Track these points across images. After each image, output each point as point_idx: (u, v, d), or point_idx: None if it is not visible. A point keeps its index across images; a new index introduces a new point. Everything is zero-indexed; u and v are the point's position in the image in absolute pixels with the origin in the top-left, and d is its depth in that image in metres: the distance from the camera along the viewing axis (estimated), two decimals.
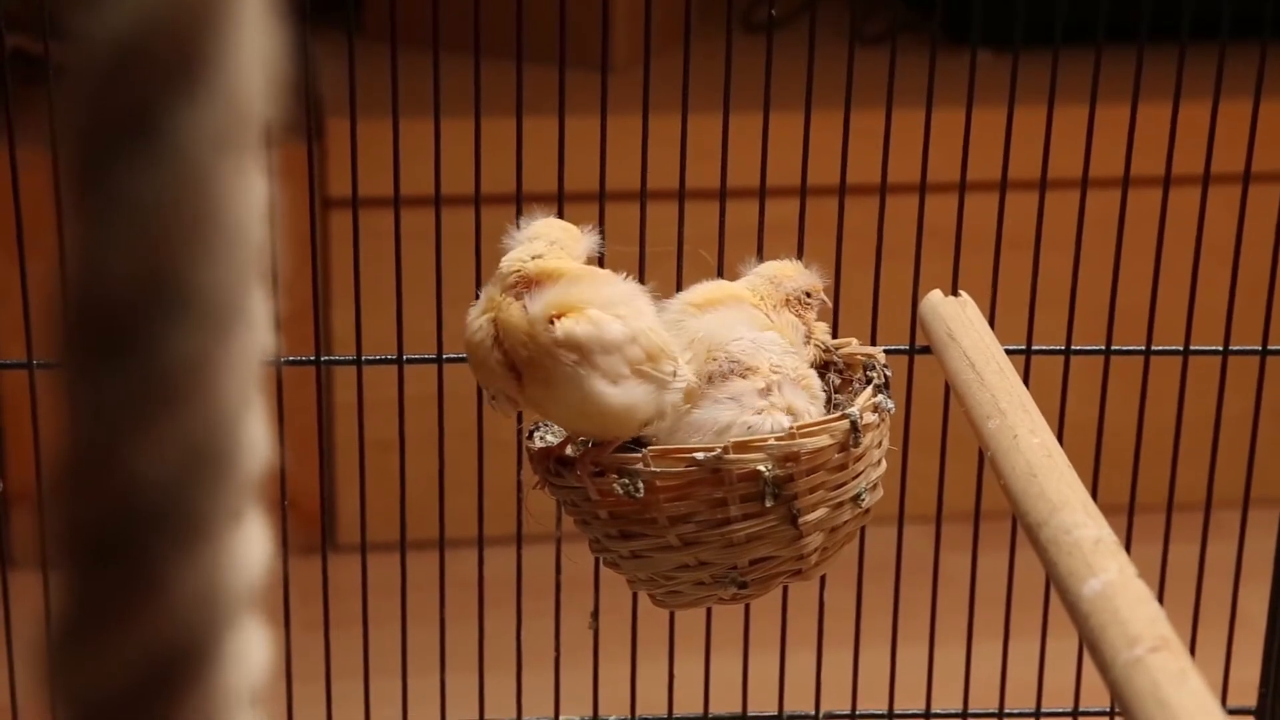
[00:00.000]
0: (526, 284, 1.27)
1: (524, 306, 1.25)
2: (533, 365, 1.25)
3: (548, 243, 1.29)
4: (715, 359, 1.31)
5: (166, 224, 0.40)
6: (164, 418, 0.42)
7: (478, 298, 1.30)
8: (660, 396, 1.28)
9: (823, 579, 1.53)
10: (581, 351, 1.24)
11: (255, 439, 0.46)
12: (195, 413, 0.42)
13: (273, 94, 0.44)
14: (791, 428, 1.28)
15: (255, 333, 0.44)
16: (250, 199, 0.42)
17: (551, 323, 1.24)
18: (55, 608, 0.44)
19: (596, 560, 1.42)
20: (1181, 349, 1.62)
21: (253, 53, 0.43)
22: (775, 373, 1.31)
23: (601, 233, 1.50)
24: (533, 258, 1.28)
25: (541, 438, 1.36)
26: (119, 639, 0.43)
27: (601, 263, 1.37)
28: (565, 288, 1.26)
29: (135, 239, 0.40)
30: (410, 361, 1.57)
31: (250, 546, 0.47)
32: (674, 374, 1.28)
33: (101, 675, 0.43)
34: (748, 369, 1.31)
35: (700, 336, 1.33)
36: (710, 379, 1.31)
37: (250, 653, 0.47)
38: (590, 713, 1.68)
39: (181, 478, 0.43)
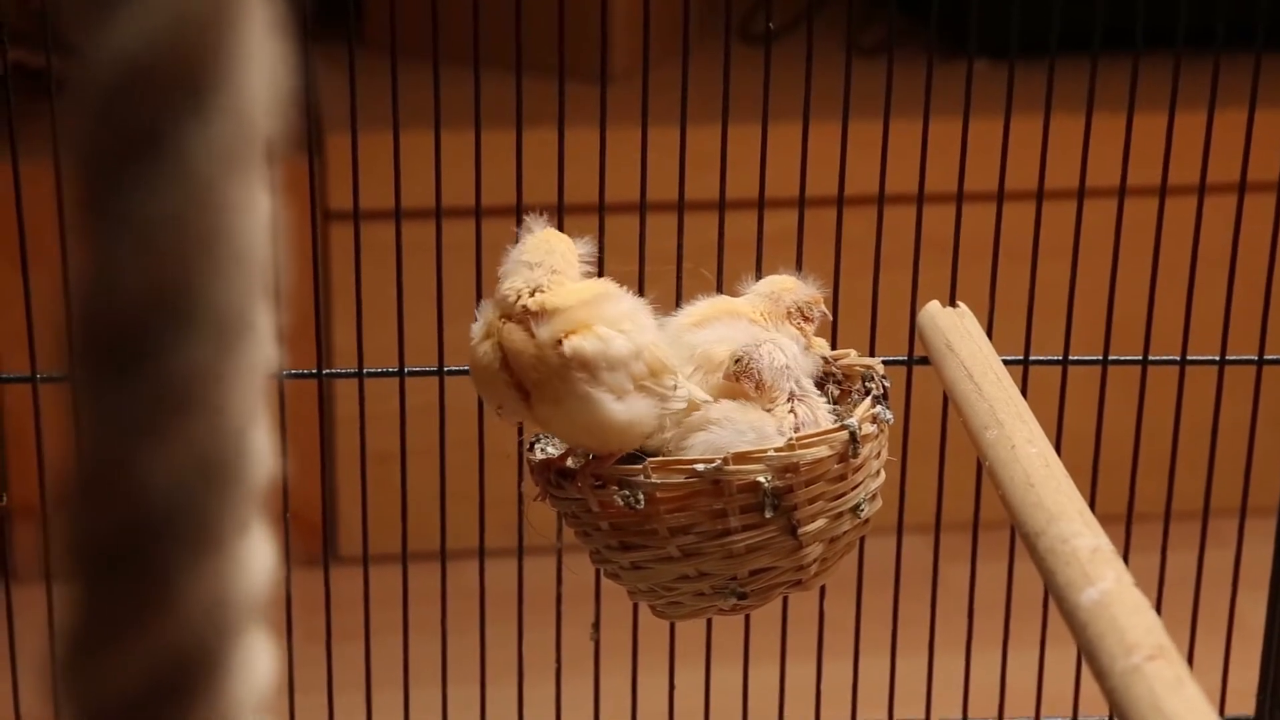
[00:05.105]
0: (531, 315, 1.27)
1: (528, 332, 1.26)
2: (542, 386, 1.26)
3: (549, 271, 1.28)
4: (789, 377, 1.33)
5: (175, 240, 0.40)
6: (173, 429, 0.43)
7: (479, 314, 1.30)
8: (661, 411, 1.29)
9: (822, 589, 1.53)
10: (589, 368, 1.25)
11: (261, 450, 0.46)
12: (204, 424, 0.43)
13: (277, 109, 0.45)
14: (791, 439, 1.28)
15: (262, 346, 0.45)
16: (256, 214, 0.43)
17: (559, 343, 1.25)
18: (62, 619, 0.45)
19: (597, 571, 1.42)
20: (1178, 359, 1.63)
21: (258, 68, 0.43)
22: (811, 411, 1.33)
23: (601, 244, 1.50)
24: (533, 291, 1.27)
25: (542, 449, 1.36)
26: (128, 648, 0.44)
27: (600, 274, 1.38)
28: (571, 310, 1.27)
29: (144, 254, 0.41)
30: (411, 374, 1.58)
31: (255, 557, 0.47)
32: (674, 388, 1.29)
33: (110, 684, 0.44)
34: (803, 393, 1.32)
35: (700, 351, 1.34)
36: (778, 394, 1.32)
37: (255, 663, 0.48)
38: None
39: (190, 488, 0.43)
